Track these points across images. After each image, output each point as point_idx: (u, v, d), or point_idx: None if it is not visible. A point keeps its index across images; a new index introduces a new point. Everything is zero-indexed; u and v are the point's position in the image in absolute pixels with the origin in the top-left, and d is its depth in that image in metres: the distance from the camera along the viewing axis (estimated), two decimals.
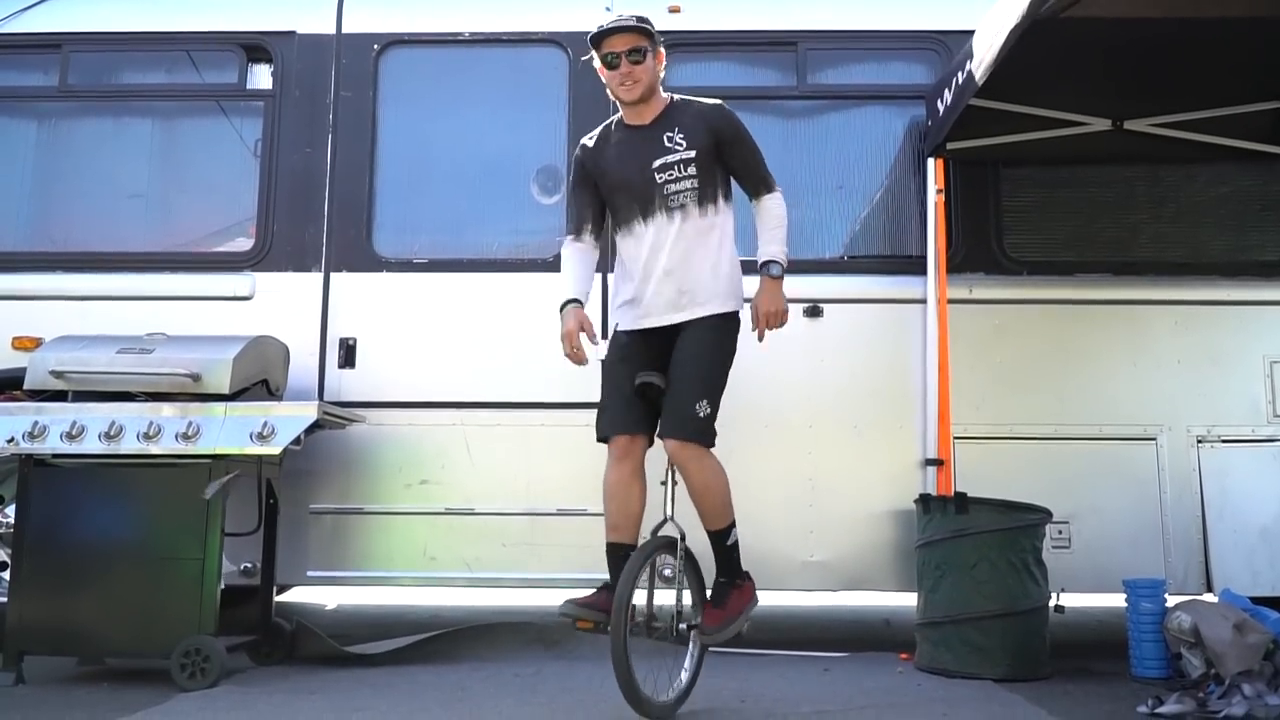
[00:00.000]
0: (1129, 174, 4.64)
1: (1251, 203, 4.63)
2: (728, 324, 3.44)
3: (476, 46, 4.76)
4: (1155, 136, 4.53)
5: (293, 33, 4.76)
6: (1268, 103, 4.46)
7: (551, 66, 4.71)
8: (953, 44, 4.60)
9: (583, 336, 3.38)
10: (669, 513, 3.37)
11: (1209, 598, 4.15)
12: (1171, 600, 3.93)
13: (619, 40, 3.39)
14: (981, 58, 3.73)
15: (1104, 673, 4.00)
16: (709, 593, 3.44)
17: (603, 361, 3.51)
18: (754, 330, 3.39)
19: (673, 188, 3.38)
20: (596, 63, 3.46)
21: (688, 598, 3.35)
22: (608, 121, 3.60)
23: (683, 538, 3.32)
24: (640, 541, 3.31)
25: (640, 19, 3.42)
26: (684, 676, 3.33)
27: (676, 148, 3.41)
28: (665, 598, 3.32)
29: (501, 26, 4.77)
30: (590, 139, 3.59)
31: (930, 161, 4.51)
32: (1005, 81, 3.77)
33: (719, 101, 3.55)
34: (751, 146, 3.50)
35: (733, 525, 3.39)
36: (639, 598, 3.17)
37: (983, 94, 3.88)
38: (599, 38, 3.41)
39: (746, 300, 3.48)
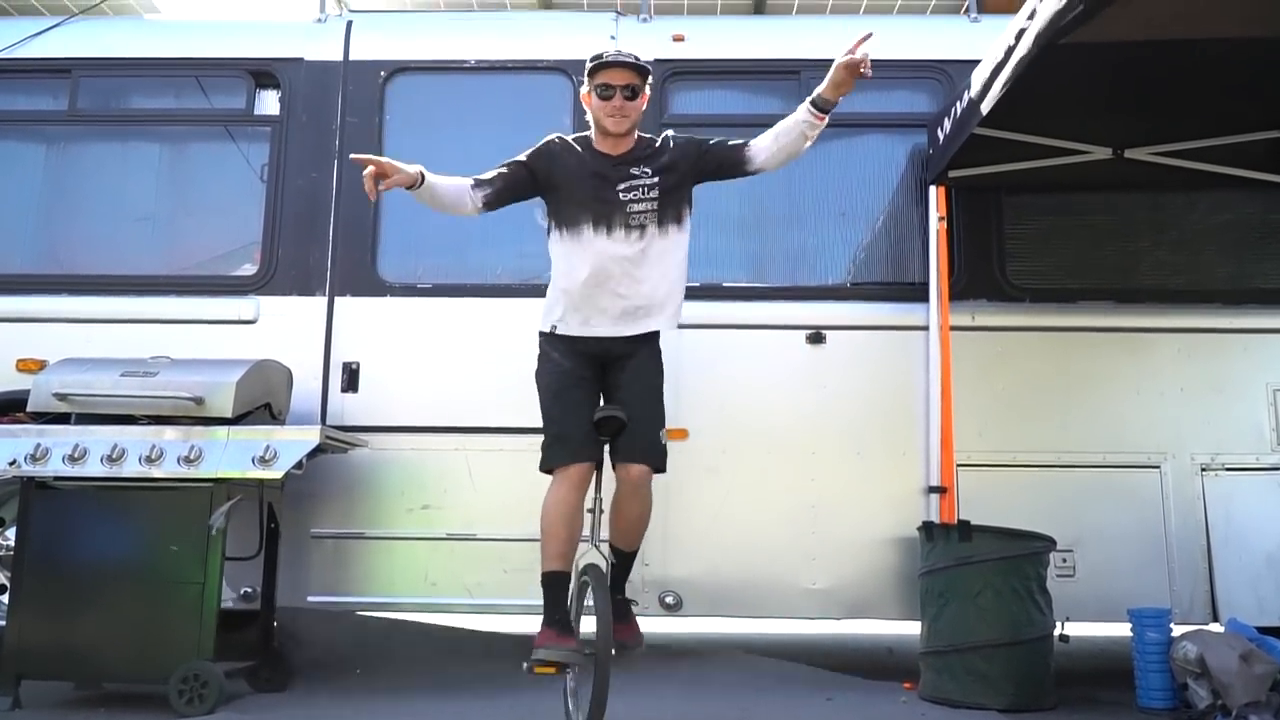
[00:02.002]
0: (1130, 202, 4.66)
1: (1253, 231, 4.65)
2: (658, 343, 3.54)
3: (482, 74, 4.80)
4: (1156, 165, 4.55)
5: (300, 59, 4.80)
6: (1267, 132, 4.48)
7: (556, 93, 4.74)
8: (954, 73, 4.63)
9: (374, 177, 3.29)
10: (597, 539, 3.42)
11: (1215, 627, 4.12)
12: (1177, 630, 3.90)
13: (619, 74, 3.43)
14: (984, 87, 3.76)
15: (1110, 702, 3.97)
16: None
17: (540, 379, 3.49)
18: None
19: (635, 207, 3.45)
20: (585, 88, 3.50)
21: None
22: (583, 135, 3.60)
23: (618, 557, 3.47)
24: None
25: (639, 59, 3.48)
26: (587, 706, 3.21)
27: (641, 176, 3.47)
28: None
29: (507, 54, 4.81)
30: (566, 140, 3.58)
31: (932, 189, 4.53)
32: (1007, 110, 3.79)
33: (670, 132, 3.64)
34: (711, 141, 3.57)
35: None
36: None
37: (984, 122, 3.90)
38: (600, 67, 3.44)
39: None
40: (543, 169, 3.52)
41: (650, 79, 3.52)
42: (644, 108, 3.53)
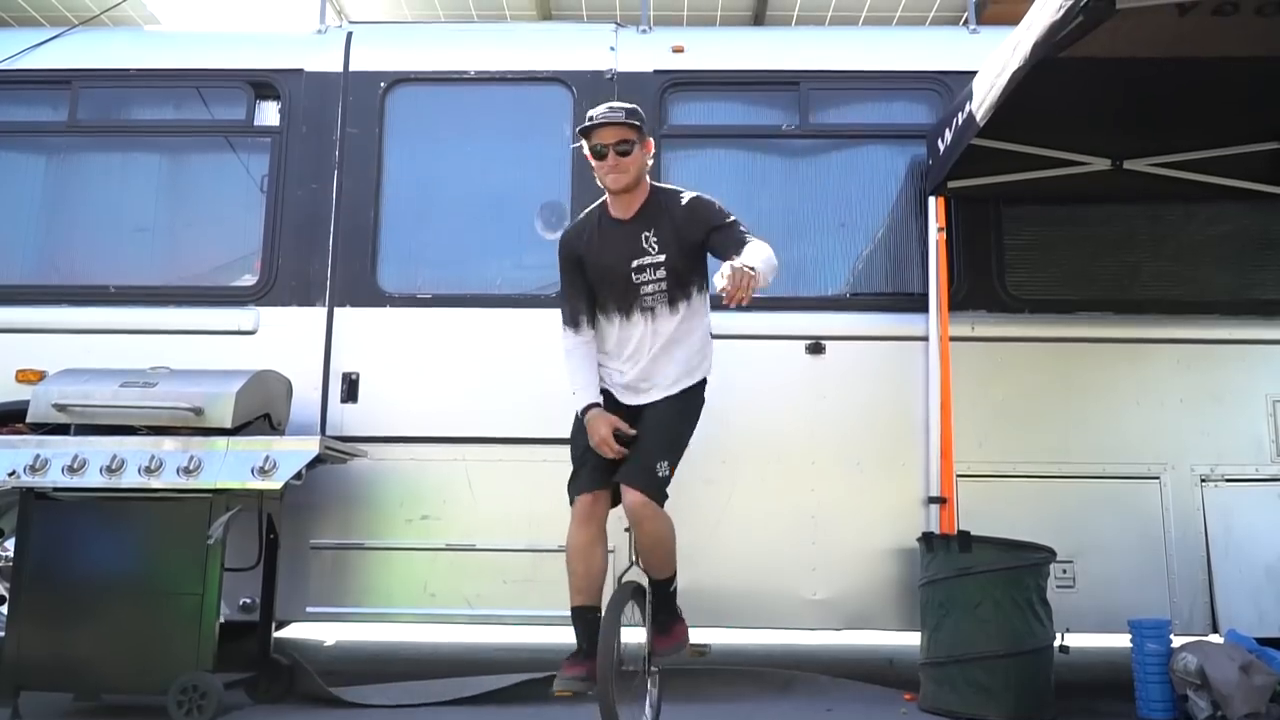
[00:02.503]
0: (1130, 213, 4.66)
1: (1252, 242, 4.65)
2: (696, 391, 3.55)
3: (482, 84, 4.81)
4: (1155, 176, 4.56)
5: (300, 70, 4.80)
6: (1267, 143, 4.49)
7: (555, 104, 4.75)
8: (953, 84, 4.64)
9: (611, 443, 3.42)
10: (634, 559, 3.43)
11: (1215, 638, 4.12)
12: (1177, 641, 3.90)
13: (608, 133, 3.43)
14: (983, 98, 3.77)
15: (1110, 714, 3.97)
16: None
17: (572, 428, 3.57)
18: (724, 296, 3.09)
19: (646, 289, 3.49)
20: (585, 149, 3.49)
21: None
22: (590, 211, 3.64)
23: (650, 584, 3.42)
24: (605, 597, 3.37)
25: (630, 111, 3.46)
26: (653, 703, 3.37)
27: (650, 250, 3.48)
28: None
29: (506, 65, 4.81)
30: (575, 230, 3.64)
31: (931, 200, 4.53)
32: (1006, 121, 3.80)
33: (696, 195, 3.55)
34: (733, 225, 3.46)
35: (675, 575, 3.49)
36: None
37: (983, 133, 3.91)
38: (590, 129, 3.45)
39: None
40: (577, 265, 3.58)
41: (646, 129, 3.48)
42: (647, 157, 3.50)
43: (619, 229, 3.52)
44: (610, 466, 3.41)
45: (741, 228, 3.45)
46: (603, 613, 3.25)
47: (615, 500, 3.44)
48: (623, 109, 3.46)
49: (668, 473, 3.39)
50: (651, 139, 3.54)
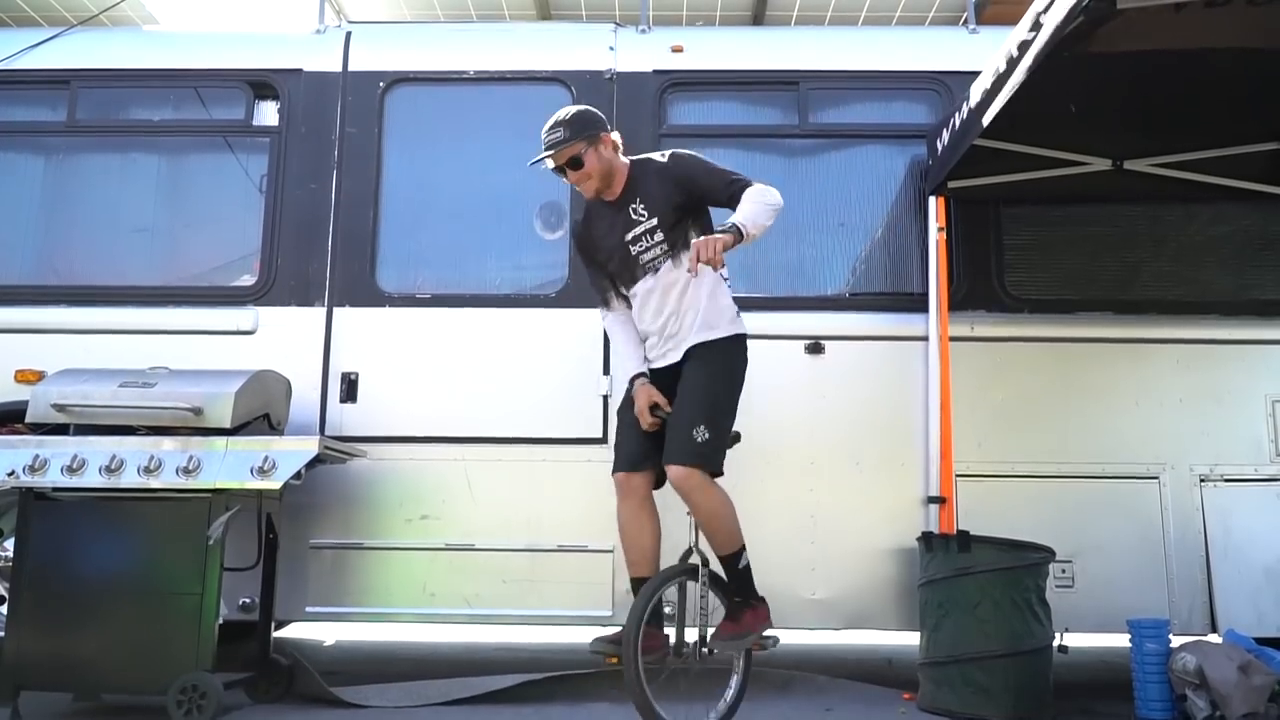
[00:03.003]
0: (1130, 213, 4.66)
1: (1252, 242, 4.65)
2: (725, 347, 3.55)
3: (481, 84, 4.81)
4: (1155, 176, 4.56)
5: (299, 70, 4.80)
6: (1267, 143, 4.49)
7: (555, 103, 4.72)
8: (952, 84, 4.64)
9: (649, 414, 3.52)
10: (693, 542, 3.46)
11: (1213, 638, 4.12)
12: (1176, 640, 3.90)
13: (555, 158, 3.52)
14: (984, 99, 3.77)
15: (1108, 714, 3.97)
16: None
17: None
18: (688, 270, 3.32)
19: (645, 256, 3.56)
20: (550, 165, 3.56)
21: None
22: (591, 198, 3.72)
23: (705, 564, 3.42)
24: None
25: (570, 125, 3.49)
26: (729, 697, 3.46)
27: (640, 219, 3.55)
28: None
29: (506, 65, 4.81)
30: (581, 217, 3.78)
31: (931, 200, 4.53)
32: (1006, 121, 3.80)
33: (670, 152, 3.63)
34: (714, 173, 3.53)
35: (743, 549, 3.48)
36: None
37: (984, 133, 3.91)
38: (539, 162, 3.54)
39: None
40: (589, 250, 3.73)
41: (592, 130, 3.53)
42: (608, 151, 3.56)
43: (610, 209, 3.64)
44: (649, 443, 3.48)
45: (731, 177, 3.49)
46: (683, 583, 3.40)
47: (662, 477, 3.49)
48: (561, 127, 3.50)
49: (708, 436, 3.36)
50: (606, 133, 3.57)
